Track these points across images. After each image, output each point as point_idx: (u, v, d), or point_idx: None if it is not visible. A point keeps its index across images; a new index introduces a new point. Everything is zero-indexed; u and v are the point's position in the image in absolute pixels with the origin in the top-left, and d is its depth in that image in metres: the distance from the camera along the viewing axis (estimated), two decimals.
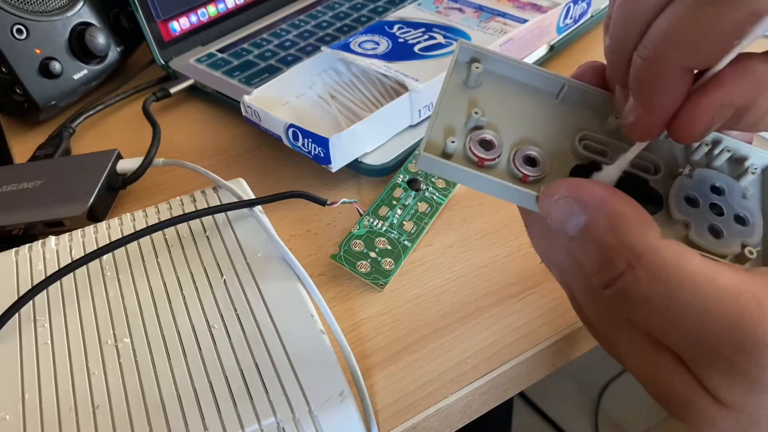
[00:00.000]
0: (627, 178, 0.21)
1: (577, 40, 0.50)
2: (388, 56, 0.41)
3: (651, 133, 0.20)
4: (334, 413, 0.25)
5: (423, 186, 0.36)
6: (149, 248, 0.32)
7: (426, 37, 0.43)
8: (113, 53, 0.51)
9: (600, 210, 0.18)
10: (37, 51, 0.46)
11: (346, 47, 0.42)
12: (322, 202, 0.34)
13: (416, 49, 0.42)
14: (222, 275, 0.30)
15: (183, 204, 0.34)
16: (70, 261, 0.30)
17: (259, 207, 0.33)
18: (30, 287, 0.29)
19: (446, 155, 0.21)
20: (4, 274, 0.31)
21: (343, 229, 0.36)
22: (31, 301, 0.29)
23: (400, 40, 0.43)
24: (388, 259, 0.33)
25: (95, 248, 0.30)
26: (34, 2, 0.46)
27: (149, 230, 0.31)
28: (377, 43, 0.43)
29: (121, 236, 0.31)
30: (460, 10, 0.46)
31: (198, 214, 0.32)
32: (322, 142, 0.35)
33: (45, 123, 0.49)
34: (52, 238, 0.33)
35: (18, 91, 0.45)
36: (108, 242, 0.31)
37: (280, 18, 0.55)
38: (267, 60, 0.49)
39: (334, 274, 0.34)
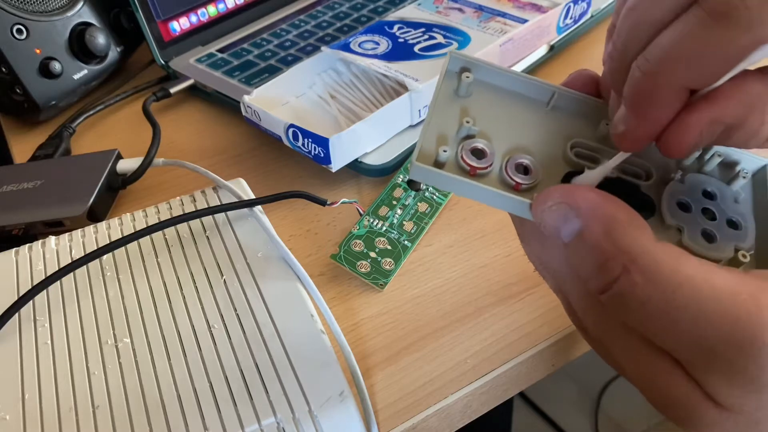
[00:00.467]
0: (619, 184, 0.21)
1: (577, 40, 0.50)
2: (388, 56, 0.41)
3: (638, 144, 0.20)
4: (334, 413, 0.25)
5: (423, 186, 0.36)
6: (149, 248, 0.32)
7: (426, 37, 0.43)
8: (113, 53, 0.51)
9: (594, 215, 0.18)
10: (37, 51, 0.46)
11: (346, 47, 0.42)
12: (322, 202, 0.34)
13: (416, 49, 0.42)
14: (222, 275, 0.30)
15: (183, 204, 0.34)
16: (70, 261, 0.30)
17: (259, 207, 0.33)
18: (30, 287, 0.29)
19: (438, 164, 0.21)
20: (4, 274, 0.31)
21: (343, 229, 0.36)
22: (31, 301, 0.29)
23: (400, 40, 0.43)
24: (388, 259, 0.33)
25: (95, 248, 0.30)
26: (34, 2, 0.46)
27: (149, 230, 0.31)
28: (377, 43, 0.43)
29: (121, 236, 0.31)
30: (460, 10, 0.46)
31: (198, 214, 0.32)
32: (322, 142, 0.35)
33: (45, 123, 0.49)
34: (52, 238, 0.33)
35: (18, 91, 0.45)
36: (108, 242, 0.31)
37: (280, 18, 0.55)
38: (267, 60, 0.49)
39: (334, 274, 0.34)
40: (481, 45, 0.42)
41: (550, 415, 1.06)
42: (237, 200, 0.33)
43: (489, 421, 0.61)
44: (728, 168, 0.23)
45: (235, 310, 0.28)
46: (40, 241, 0.33)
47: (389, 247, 0.34)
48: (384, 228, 0.34)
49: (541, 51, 0.47)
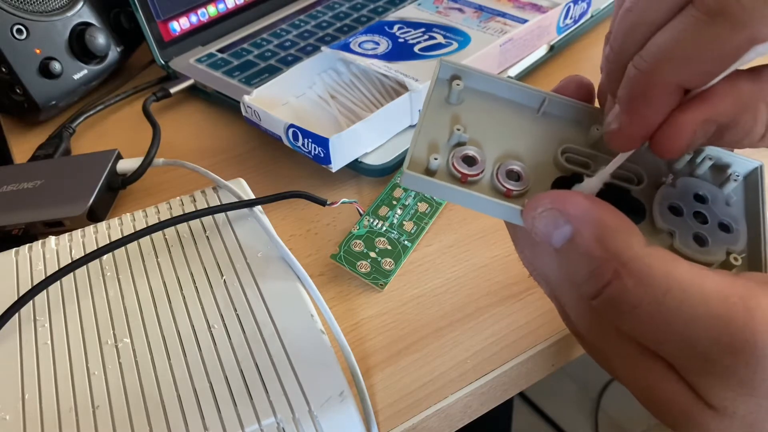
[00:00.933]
0: (610, 189, 0.21)
1: (577, 40, 0.50)
2: (388, 56, 0.41)
3: (631, 143, 0.20)
4: (334, 413, 0.25)
5: None
6: (149, 248, 0.32)
7: (426, 37, 0.43)
8: (113, 53, 0.51)
9: (584, 220, 0.18)
10: (37, 51, 0.46)
11: (346, 47, 0.42)
12: (322, 202, 0.34)
13: (416, 49, 0.42)
14: (222, 275, 0.30)
15: (183, 204, 0.34)
16: (70, 261, 0.30)
17: (259, 207, 0.33)
18: (30, 287, 0.29)
19: (430, 172, 0.21)
20: (4, 274, 0.31)
21: (343, 229, 0.36)
22: (31, 301, 0.29)
23: (400, 40, 0.43)
24: (388, 259, 0.33)
25: (95, 248, 0.30)
26: (34, 2, 0.46)
27: (149, 230, 0.31)
28: (377, 43, 0.43)
29: (121, 236, 0.31)
30: (460, 10, 0.46)
31: (198, 214, 0.32)
32: (322, 142, 0.35)
33: (45, 123, 0.49)
34: (52, 238, 0.33)
35: (18, 91, 0.45)
36: (108, 242, 0.31)
37: (280, 18, 0.55)
38: (267, 60, 0.49)
39: (334, 274, 0.34)
40: (481, 45, 0.42)
41: (550, 415, 1.06)
42: (237, 200, 0.33)
43: (489, 421, 0.61)
44: (719, 171, 0.23)
45: (235, 310, 0.28)
46: (40, 241, 0.33)
47: (389, 247, 0.34)
48: (384, 228, 0.34)
49: (541, 51, 0.47)
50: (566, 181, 0.22)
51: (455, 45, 0.42)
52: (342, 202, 0.34)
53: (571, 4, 0.46)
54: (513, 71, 0.45)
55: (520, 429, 1.05)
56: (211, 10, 0.53)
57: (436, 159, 0.21)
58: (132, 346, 0.27)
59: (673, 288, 0.17)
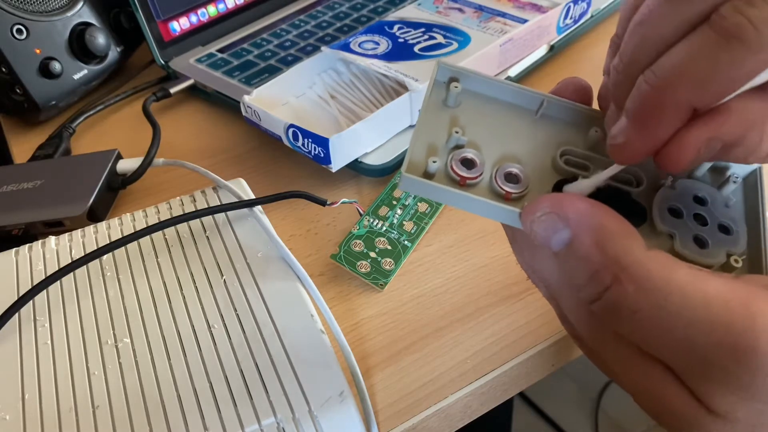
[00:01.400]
0: (610, 192, 0.21)
1: (577, 40, 0.50)
2: (388, 56, 0.41)
3: (636, 158, 0.20)
4: (334, 413, 0.25)
5: None
6: (149, 248, 0.32)
7: (426, 37, 0.43)
8: (113, 53, 0.51)
9: (583, 224, 0.18)
10: (37, 51, 0.46)
11: (346, 47, 0.42)
12: (322, 202, 0.34)
13: (416, 49, 0.42)
14: (222, 275, 0.30)
15: (183, 204, 0.34)
16: (70, 261, 0.30)
17: (259, 207, 0.33)
18: (30, 287, 0.29)
19: (428, 175, 0.21)
20: (4, 274, 0.31)
21: (343, 229, 0.36)
22: (31, 301, 0.29)
23: (400, 40, 0.43)
24: (388, 259, 0.33)
25: (95, 248, 0.30)
26: (34, 2, 0.46)
27: (149, 230, 0.31)
28: (377, 43, 0.43)
29: (121, 236, 0.31)
30: (460, 10, 0.46)
31: (198, 214, 0.32)
32: (322, 142, 0.35)
33: (45, 123, 0.49)
34: (52, 238, 0.33)
35: (18, 91, 0.45)
36: (108, 242, 0.31)
37: (280, 18, 0.55)
38: (267, 60, 0.49)
39: (334, 274, 0.34)
40: (481, 45, 0.42)
41: (550, 415, 1.06)
42: (237, 200, 0.33)
43: (489, 421, 0.61)
44: (719, 173, 0.23)
45: (235, 310, 0.28)
46: (40, 241, 0.33)
47: (389, 247, 0.34)
48: (384, 228, 0.34)
49: (541, 51, 0.47)
50: (566, 184, 0.22)
51: (455, 45, 0.42)
52: (342, 202, 0.34)
53: (571, 4, 0.46)
54: (513, 71, 0.45)
55: (520, 429, 1.05)
56: (211, 10, 0.53)
57: (434, 162, 0.21)
58: (132, 346, 0.27)
59: (673, 292, 0.17)
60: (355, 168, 0.38)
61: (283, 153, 0.42)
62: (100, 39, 0.48)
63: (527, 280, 0.24)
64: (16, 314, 0.29)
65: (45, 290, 0.29)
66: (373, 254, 0.33)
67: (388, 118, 0.38)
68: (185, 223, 0.33)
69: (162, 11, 0.50)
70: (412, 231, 0.35)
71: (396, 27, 0.44)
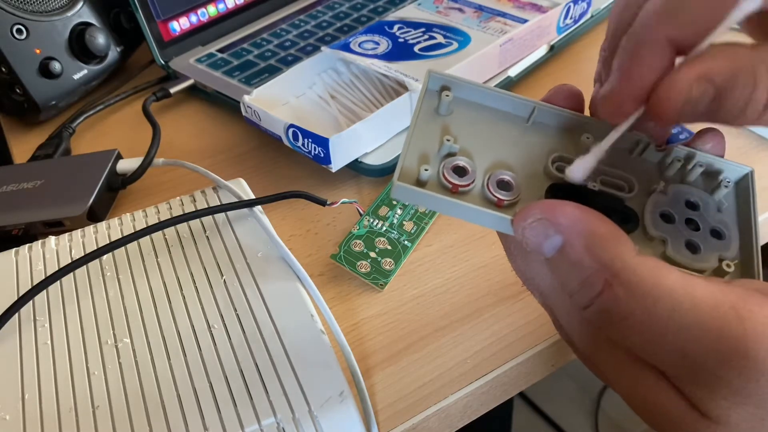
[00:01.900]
0: (601, 198, 0.21)
1: (577, 40, 0.50)
2: (388, 56, 0.41)
3: (625, 107, 0.19)
4: (334, 413, 0.25)
5: None
6: (149, 248, 0.32)
7: (426, 37, 0.43)
8: (113, 53, 0.51)
9: (574, 230, 0.18)
10: (37, 51, 0.46)
11: (346, 47, 0.42)
12: (322, 202, 0.34)
13: (416, 49, 0.42)
14: (222, 275, 0.30)
15: (183, 204, 0.34)
16: (70, 261, 0.30)
17: (259, 207, 0.33)
18: (30, 287, 0.29)
19: (420, 183, 0.21)
20: (4, 274, 0.31)
21: (343, 229, 0.36)
22: (31, 301, 0.29)
23: (400, 40, 0.43)
24: (388, 259, 0.33)
25: (95, 248, 0.30)
26: (34, 2, 0.46)
27: (149, 230, 0.31)
28: (377, 43, 0.43)
29: (121, 236, 0.31)
30: (460, 10, 0.46)
31: (198, 214, 0.32)
32: (322, 142, 0.35)
33: (45, 123, 0.49)
34: (52, 238, 0.33)
35: (18, 91, 0.45)
36: (108, 242, 0.31)
37: (280, 18, 0.55)
38: (267, 60, 0.49)
39: (334, 274, 0.34)
40: (481, 45, 0.42)
41: (550, 415, 1.06)
42: (237, 200, 0.33)
43: (489, 421, 0.61)
44: (711, 177, 0.23)
45: (235, 310, 0.28)
46: (40, 241, 0.33)
47: (389, 247, 0.34)
48: (384, 228, 0.34)
49: (541, 51, 0.47)
50: (561, 188, 0.22)
51: (455, 45, 0.42)
52: (342, 202, 0.34)
53: (571, 4, 0.46)
54: (513, 71, 0.45)
55: (520, 429, 1.05)
56: (211, 10, 0.53)
57: (426, 170, 0.21)
58: (132, 346, 0.27)
59: (663, 297, 0.17)
60: (355, 168, 0.38)
61: (283, 153, 0.42)
62: (100, 39, 0.48)
63: (523, 286, 0.24)
64: (16, 314, 0.29)
65: (45, 290, 0.29)
66: (373, 254, 0.33)
67: (388, 118, 0.38)
68: (185, 223, 0.33)
69: (162, 11, 0.50)
70: (412, 231, 0.35)
71: (396, 27, 0.44)
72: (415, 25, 0.44)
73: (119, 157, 0.40)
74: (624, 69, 0.19)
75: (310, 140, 0.36)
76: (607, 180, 0.22)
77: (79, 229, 0.33)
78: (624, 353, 0.19)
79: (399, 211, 0.35)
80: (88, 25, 0.48)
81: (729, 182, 0.22)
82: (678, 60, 0.19)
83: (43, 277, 0.29)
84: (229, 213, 0.33)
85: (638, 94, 0.19)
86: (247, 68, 0.48)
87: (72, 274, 0.30)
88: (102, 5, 0.50)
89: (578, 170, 0.21)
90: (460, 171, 0.21)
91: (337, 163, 0.36)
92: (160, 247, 0.32)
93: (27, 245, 0.33)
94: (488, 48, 0.42)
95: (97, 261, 0.31)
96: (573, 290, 0.19)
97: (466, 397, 0.29)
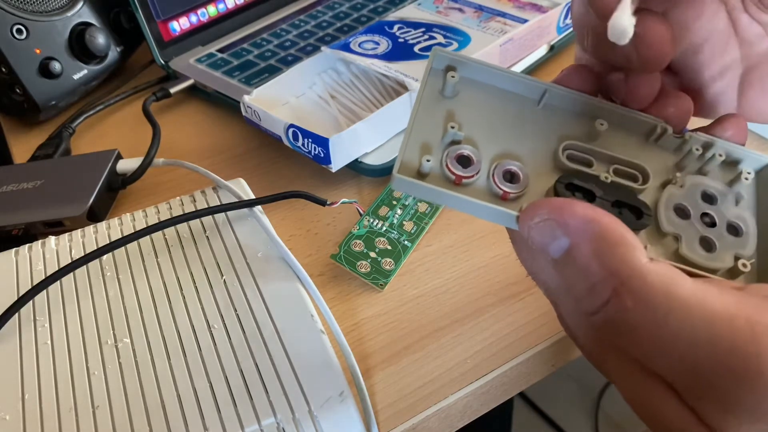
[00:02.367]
0: (614, 189, 0.20)
1: None
2: (388, 56, 0.41)
3: None
4: (334, 413, 0.25)
5: None
6: (149, 248, 0.32)
7: (426, 37, 0.43)
8: (113, 53, 0.51)
9: (582, 233, 0.17)
10: (37, 51, 0.46)
11: (346, 47, 0.42)
12: (322, 202, 0.34)
13: (416, 49, 0.42)
14: (222, 275, 0.30)
15: (183, 204, 0.34)
16: (70, 261, 0.30)
17: (259, 207, 0.33)
18: (30, 287, 0.29)
19: (421, 175, 0.20)
20: (4, 274, 0.31)
21: (343, 229, 0.36)
22: (31, 301, 0.29)
23: (400, 40, 0.43)
24: (388, 259, 0.33)
25: (95, 248, 0.30)
26: (34, 2, 0.46)
27: (149, 230, 0.31)
28: (377, 43, 0.42)
29: (121, 236, 0.31)
30: (460, 10, 0.46)
31: (198, 214, 0.32)
32: (322, 142, 0.35)
33: (45, 123, 0.48)
34: (52, 238, 0.33)
35: (18, 91, 0.45)
36: (108, 242, 0.31)
37: (280, 18, 0.55)
38: (267, 60, 0.49)
39: (334, 274, 0.34)
40: (481, 45, 0.42)
41: (550, 415, 1.06)
42: (237, 200, 0.33)
43: (489, 421, 0.61)
44: (730, 168, 0.22)
45: (235, 310, 0.28)
46: (40, 241, 0.33)
47: (389, 247, 0.34)
48: (384, 228, 0.34)
49: (542, 51, 0.47)
50: (571, 180, 0.20)
51: (455, 45, 0.42)
52: (342, 202, 0.34)
53: None
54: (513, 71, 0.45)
55: (520, 429, 1.05)
56: (211, 10, 0.53)
57: (428, 161, 0.20)
58: (132, 346, 0.27)
59: (674, 309, 0.16)
60: (355, 168, 0.38)
61: (283, 153, 0.42)
62: (100, 39, 0.48)
63: (527, 277, 0.23)
64: (16, 314, 0.29)
65: (45, 290, 0.29)
66: (373, 254, 0.33)
67: (388, 118, 0.38)
68: (185, 223, 0.33)
69: (162, 11, 0.50)
70: (412, 231, 0.35)
71: (396, 27, 0.44)
72: (415, 25, 0.44)
73: (119, 157, 0.40)
74: None
75: (310, 140, 0.36)
76: (621, 170, 0.21)
77: (79, 229, 0.33)
78: (631, 362, 0.18)
79: (399, 211, 0.35)
80: (88, 25, 0.48)
81: (750, 173, 0.21)
82: None
83: (43, 277, 0.29)
84: (229, 213, 0.33)
85: None
86: (247, 68, 0.48)
87: (72, 274, 0.30)
88: (102, 5, 0.50)
89: (621, 18, 0.18)
90: (464, 161, 0.20)
91: (337, 163, 0.36)
92: (160, 247, 0.32)
93: (27, 245, 0.33)
94: (488, 48, 0.42)
95: (97, 261, 0.31)
96: (579, 295, 0.18)
97: (466, 397, 0.29)
